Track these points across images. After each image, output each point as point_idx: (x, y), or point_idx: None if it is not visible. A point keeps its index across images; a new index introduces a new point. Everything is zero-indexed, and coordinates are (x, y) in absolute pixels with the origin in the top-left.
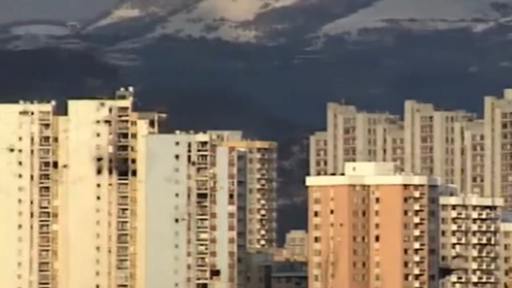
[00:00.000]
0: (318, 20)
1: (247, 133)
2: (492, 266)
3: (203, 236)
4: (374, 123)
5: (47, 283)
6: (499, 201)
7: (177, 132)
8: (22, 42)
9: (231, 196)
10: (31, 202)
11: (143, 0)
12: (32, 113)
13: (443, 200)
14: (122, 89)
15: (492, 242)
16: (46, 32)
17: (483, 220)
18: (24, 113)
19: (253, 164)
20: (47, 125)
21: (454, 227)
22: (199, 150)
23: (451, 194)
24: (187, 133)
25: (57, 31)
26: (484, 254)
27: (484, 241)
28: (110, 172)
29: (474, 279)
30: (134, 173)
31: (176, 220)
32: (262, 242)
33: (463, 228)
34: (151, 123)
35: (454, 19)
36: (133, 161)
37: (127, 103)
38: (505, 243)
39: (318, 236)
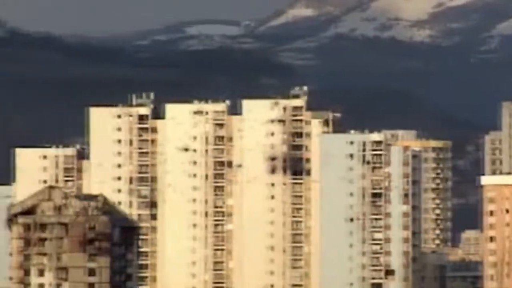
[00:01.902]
0: (493, 19)
1: (422, 133)
2: None
3: (377, 235)
4: None
5: (221, 282)
6: None
7: (351, 131)
8: (196, 41)
9: (405, 195)
10: (206, 202)
11: None
12: (206, 113)
13: None
14: (296, 88)
15: None
16: (220, 32)
17: None
18: (198, 112)
19: (427, 163)
20: (221, 125)
21: None
22: (373, 150)
23: None
24: (361, 133)
25: (231, 30)
26: None
27: None
28: (284, 171)
29: None
30: (308, 172)
31: (350, 220)
32: (437, 241)
33: None
34: (325, 123)
35: None
36: (307, 160)
37: (301, 102)
38: None
39: (493, 236)
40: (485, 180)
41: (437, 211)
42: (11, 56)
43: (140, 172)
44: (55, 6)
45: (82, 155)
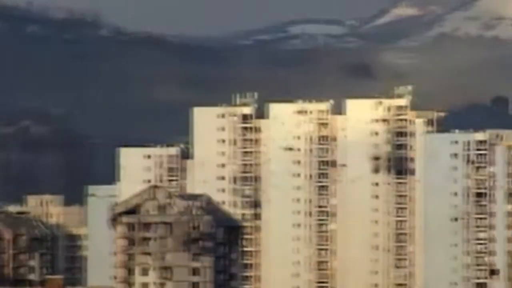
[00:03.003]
0: None
1: None
2: None
3: (481, 235)
4: None
5: (325, 282)
6: None
7: (455, 131)
8: (299, 41)
9: (510, 195)
10: (309, 201)
11: None
12: (310, 112)
13: None
14: (400, 87)
15: None
16: (324, 31)
17: None
18: (301, 112)
19: None
20: (324, 124)
21: None
22: (477, 149)
23: None
24: (465, 132)
25: (335, 30)
26: None
27: None
28: (388, 171)
29: None
30: (411, 172)
31: (455, 219)
32: None
33: None
34: (429, 122)
35: None
36: (411, 160)
37: (405, 101)
38: None
39: None
40: None
41: None
42: (114, 56)
43: (243, 172)
44: (158, 6)
45: (186, 154)
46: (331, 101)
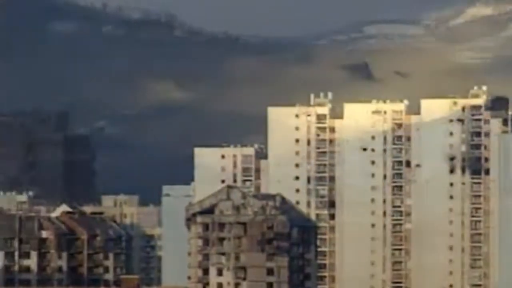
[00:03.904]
0: None
1: None
2: None
3: None
4: None
5: (400, 282)
6: None
7: None
8: (375, 41)
9: None
10: (384, 201)
11: None
12: (385, 112)
13: None
14: (475, 87)
15: None
16: (400, 31)
17: None
18: (376, 112)
19: None
20: (399, 124)
21: None
22: None
23: None
24: None
25: (411, 30)
26: None
27: None
28: (463, 171)
29: None
30: (487, 172)
31: None
32: None
33: None
34: (505, 122)
35: None
36: (486, 160)
37: (481, 101)
38: None
39: None
40: None
41: None
42: (189, 56)
43: (318, 172)
44: (233, 6)
45: (261, 154)
46: (406, 101)
